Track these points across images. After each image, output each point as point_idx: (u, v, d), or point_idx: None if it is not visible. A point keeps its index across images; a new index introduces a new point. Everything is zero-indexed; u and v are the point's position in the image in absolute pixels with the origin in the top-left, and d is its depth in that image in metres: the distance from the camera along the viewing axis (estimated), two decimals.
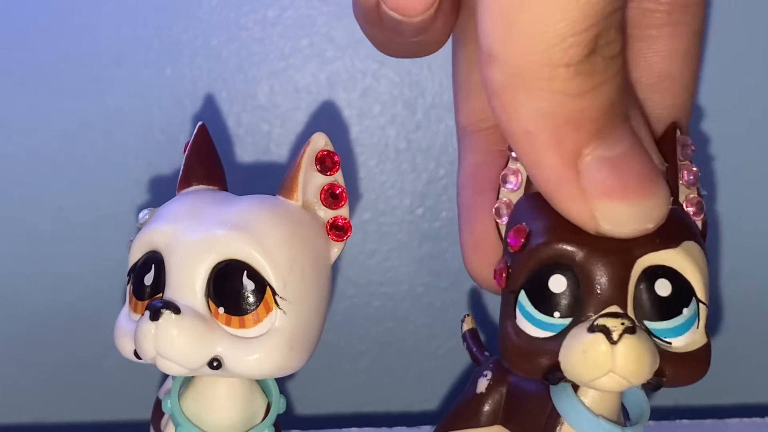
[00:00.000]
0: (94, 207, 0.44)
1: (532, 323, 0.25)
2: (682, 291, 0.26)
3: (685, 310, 0.26)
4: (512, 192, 0.27)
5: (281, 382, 0.28)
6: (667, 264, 0.26)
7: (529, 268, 0.25)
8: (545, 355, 0.25)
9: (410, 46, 0.28)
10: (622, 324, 0.24)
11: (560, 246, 0.25)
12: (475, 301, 0.44)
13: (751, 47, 0.44)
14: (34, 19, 0.42)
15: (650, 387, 0.26)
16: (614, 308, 0.25)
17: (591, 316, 0.25)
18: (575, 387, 0.27)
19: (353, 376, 0.46)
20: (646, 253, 0.25)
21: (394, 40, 0.27)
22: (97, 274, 0.44)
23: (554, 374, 0.25)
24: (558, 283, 0.25)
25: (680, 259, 0.26)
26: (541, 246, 0.25)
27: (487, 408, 0.30)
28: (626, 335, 0.24)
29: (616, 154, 0.24)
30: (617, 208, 0.24)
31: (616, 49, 0.23)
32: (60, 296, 0.44)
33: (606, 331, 0.24)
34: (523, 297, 0.25)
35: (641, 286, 0.25)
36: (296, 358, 0.27)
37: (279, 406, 0.28)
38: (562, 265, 0.25)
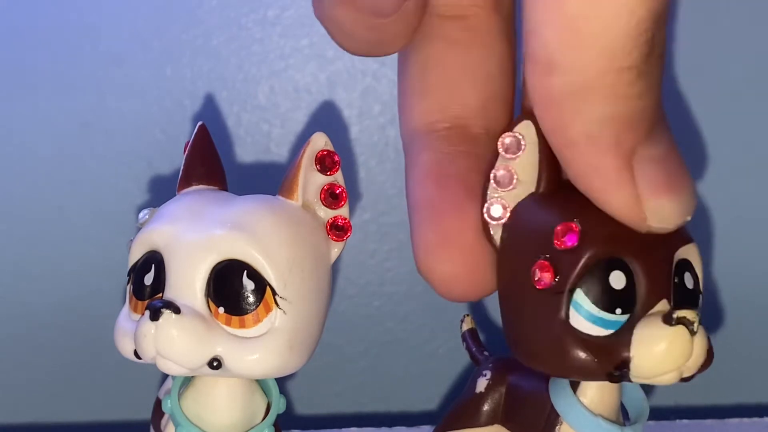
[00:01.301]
0: (94, 207, 0.44)
1: (593, 322, 0.25)
2: (698, 283, 0.27)
3: (700, 302, 0.27)
4: (508, 192, 0.27)
5: (281, 382, 0.28)
6: (687, 257, 0.26)
7: (587, 265, 0.25)
8: (612, 353, 0.25)
9: (376, 34, 0.27)
10: (697, 315, 0.25)
11: (617, 242, 0.25)
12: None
13: (751, 47, 0.44)
14: (34, 19, 0.42)
15: (689, 379, 0.26)
16: (665, 302, 0.25)
17: (645, 311, 0.25)
18: (574, 386, 0.27)
19: (353, 376, 0.46)
20: (679, 247, 0.26)
21: (364, 22, 0.27)
22: (97, 274, 0.44)
23: (621, 371, 0.25)
24: (619, 280, 0.25)
25: (694, 253, 0.27)
26: (599, 243, 0.25)
27: (486, 408, 0.30)
28: (700, 326, 0.25)
29: (662, 152, 0.24)
30: (666, 204, 0.25)
31: (665, 46, 0.24)
32: (60, 296, 0.44)
33: (687, 323, 0.25)
34: (580, 296, 0.25)
35: (676, 280, 0.26)
36: (296, 358, 0.27)
37: (279, 406, 0.28)
38: (619, 261, 0.25)
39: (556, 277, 0.25)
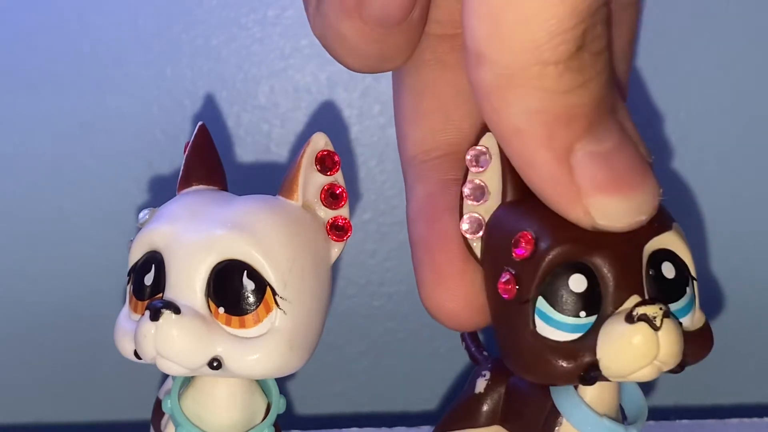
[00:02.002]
0: (94, 207, 0.44)
1: (557, 328, 0.25)
2: (682, 271, 0.26)
3: (687, 290, 0.26)
4: (481, 205, 0.27)
5: (281, 382, 0.28)
6: (666, 247, 0.26)
7: (544, 273, 0.25)
8: (579, 356, 0.25)
9: (379, 47, 0.27)
10: (661, 309, 0.25)
11: (573, 245, 0.25)
12: None
13: (749, 46, 0.44)
14: (34, 19, 0.42)
15: (678, 370, 0.26)
16: (635, 297, 0.25)
17: (615, 309, 0.25)
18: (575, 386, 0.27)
19: (353, 376, 0.46)
20: (650, 238, 0.26)
21: (369, 34, 0.27)
22: (97, 274, 0.44)
23: (591, 374, 0.25)
24: (579, 283, 0.25)
25: (675, 240, 0.26)
26: (554, 248, 0.25)
27: (485, 408, 0.30)
28: (665, 320, 0.25)
29: (607, 149, 0.24)
30: (611, 202, 0.24)
31: (602, 44, 0.23)
32: (60, 296, 0.44)
33: (648, 319, 0.24)
34: (542, 303, 0.25)
35: (650, 272, 0.26)
36: (296, 358, 0.27)
37: (279, 406, 0.28)
38: (578, 264, 0.25)
39: (518, 288, 0.25)
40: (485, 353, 0.32)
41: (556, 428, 0.28)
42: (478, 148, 0.27)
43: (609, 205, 0.24)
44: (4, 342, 0.45)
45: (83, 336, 0.44)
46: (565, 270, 0.25)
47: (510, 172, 0.26)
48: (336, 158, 0.28)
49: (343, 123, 0.44)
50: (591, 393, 0.27)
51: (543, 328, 0.25)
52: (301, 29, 0.43)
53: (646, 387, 0.28)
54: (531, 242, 0.25)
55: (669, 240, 0.26)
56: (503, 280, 0.26)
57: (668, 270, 0.26)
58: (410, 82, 0.29)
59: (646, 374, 0.25)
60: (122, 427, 0.45)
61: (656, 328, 0.25)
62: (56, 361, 0.45)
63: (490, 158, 0.27)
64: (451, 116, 0.29)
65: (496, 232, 0.27)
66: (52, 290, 0.44)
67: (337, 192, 0.28)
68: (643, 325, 0.24)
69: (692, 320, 0.26)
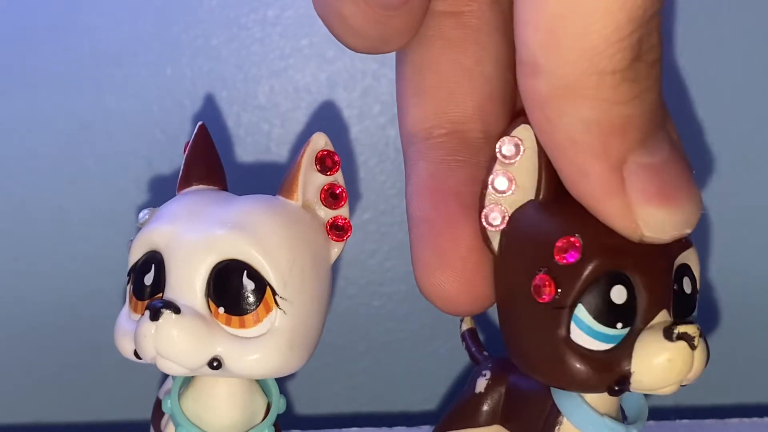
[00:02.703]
0: (94, 207, 0.44)
1: (594, 337, 0.25)
2: (695, 286, 0.27)
3: (696, 303, 0.27)
4: (506, 198, 0.27)
5: (281, 382, 0.28)
6: (686, 262, 0.26)
7: (588, 281, 0.25)
8: (612, 367, 0.25)
9: (381, 29, 0.27)
10: (698, 329, 0.25)
11: (618, 256, 0.25)
12: None
13: (749, 45, 0.44)
14: (33, 18, 0.42)
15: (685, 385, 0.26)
16: (665, 312, 0.25)
17: (646, 322, 0.25)
18: None
19: (353, 376, 0.46)
20: (679, 253, 0.26)
21: (371, 16, 0.26)
22: (97, 274, 0.44)
23: (621, 386, 0.25)
24: (620, 294, 0.25)
25: (693, 256, 0.27)
26: (600, 258, 0.25)
27: (486, 408, 0.30)
28: (700, 340, 0.25)
29: (658, 161, 0.24)
30: (660, 214, 0.24)
31: (657, 54, 0.23)
32: (60, 296, 0.44)
33: (688, 339, 0.25)
34: (581, 311, 0.25)
35: (675, 287, 0.26)
36: (296, 358, 0.27)
37: (279, 406, 0.28)
38: (620, 275, 0.25)
39: (557, 292, 0.25)
40: (485, 353, 0.32)
41: (557, 428, 0.27)
42: (512, 138, 0.26)
43: (657, 217, 0.24)
44: (4, 342, 0.45)
45: (83, 336, 0.44)
46: (608, 280, 0.25)
47: (546, 170, 0.26)
48: (336, 158, 0.28)
49: (343, 123, 0.44)
50: (592, 393, 0.27)
51: (578, 336, 0.25)
52: (301, 29, 0.43)
53: None
54: (579, 249, 0.25)
55: (690, 255, 0.26)
56: (539, 282, 0.25)
57: (687, 285, 0.26)
58: (413, 57, 0.29)
59: (669, 391, 0.25)
60: (122, 427, 0.45)
61: (693, 348, 0.25)
62: (56, 361, 0.45)
63: (523, 151, 0.26)
64: (454, 93, 0.28)
65: (528, 229, 0.26)
66: (52, 290, 0.44)
67: (337, 192, 0.28)
68: (683, 344, 0.25)
69: None
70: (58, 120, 0.43)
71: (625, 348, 0.25)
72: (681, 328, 0.25)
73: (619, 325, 0.25)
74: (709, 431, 0.41)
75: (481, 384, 0.30)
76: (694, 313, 0.27)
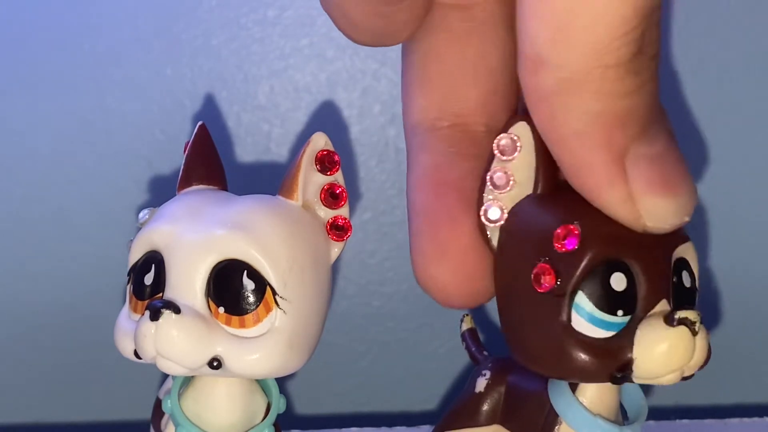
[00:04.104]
0: (94, 207, 0.44)
1: (595, 324, 0.25)
2: (694, 281, 0.27)
3: (696, 299, 0.27)
4: (505, 194, 0.27)
5: (281, 382, 0.28)
6: (684, 256, 0.26)
7: (588, 268, 0.25)
8: (614, 355, 0.25)
9: (384, 22, 0.27)
10: (699, 315, 0.25)
11: (617, 244, 0.25)
12: None
13: (749, 45, 0.44)
14: (33, 19, 0.42)
15: (690, 377, 0.26)
16: (665, 302, 0.25)
17: (647, 311, 0.25)
18: (573, 386, 0.27)
19: (353, 376, 0.46)
20: (677, 246, 0.26)
21: (373, 10, 0.26)
22: (97, 274, 0.44)
23: (624, 372, 0.25)
24: (620, 281, 0.25)
25: (690, 251, 0.27)
26: (600, 245, 0.25)
27: (485, 407, 0.30)
28: (701, 326, 0.25)
29: (657, 151, 0.24)
30: (661, 203, 0.24)
31: (657, 47, 0.23)
32: (60, 296, 0.44)
33: (688, 323, 0.25)
34: (581, 298, 0.25)
35: (674, 279, 0.26)
36: (296, 358, 0.27)
37: (279, 406, 0.28)
38: (620, 262, 0.25)
39: (557, 280, 0.25)
40: (485, 353, 0.32)
41: (556, 427, 0.27)
42: (508, 136, 0.27)
43: (658, 206, 0.24)
44: (4, 342, 0.45)
45: (83, 336, 0.44)
46: (608, 267, 0.25)
47: (543, 165, 0.26)
48: (336, 158, 0.28)
49: (343, 123, 0.44)
50: (591, 393, 0.27)
51: (579, 323, 0.25)
52: (301, 29, 0.43)
53: (646, 387, 0.28)
54: (577, 235, 0.25)
55: (687, 250, 0.27)
56: (539, 271, 0.25)
57: (687, 279, 0.26)
58: (419, 49, 0.29)
59: (671, 379, 0.25)
60: (122, 427, 0.45)
61: (695, 333, 0.25)
62: (56, 361, 0.45)
63: (520, 148, 0.27)
64: (458, 85, 0.28)
65: (527, 222, 0.26)
66: (52, 290, 0.44)
67: (337, 192, 0.28)
68: (683, 329, 0.25)
69: None
70: (58, 120, 0.43)
71: (626, 336, 0.25)
72: (681, 314, 0.25)
73: (620, 312, 0.25)
74: (709, 431, 0.41)
75: (480, 384, 0.30)
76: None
